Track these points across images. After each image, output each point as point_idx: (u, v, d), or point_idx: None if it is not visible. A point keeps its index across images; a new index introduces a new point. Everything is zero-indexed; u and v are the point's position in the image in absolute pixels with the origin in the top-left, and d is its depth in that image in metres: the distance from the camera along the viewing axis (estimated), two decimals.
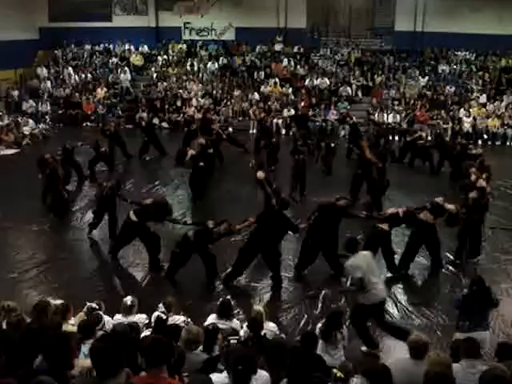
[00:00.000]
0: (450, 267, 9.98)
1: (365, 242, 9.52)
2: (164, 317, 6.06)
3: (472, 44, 23.63)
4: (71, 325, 6.14)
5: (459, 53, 24.41)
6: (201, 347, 5.69)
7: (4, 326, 5.82)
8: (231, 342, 5.50)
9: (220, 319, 6.53)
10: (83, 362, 4.89)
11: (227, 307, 6.67)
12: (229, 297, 7.01)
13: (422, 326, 8.00)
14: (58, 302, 6.55)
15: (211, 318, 6.62)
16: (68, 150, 14.72)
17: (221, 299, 6.94)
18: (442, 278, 9.71)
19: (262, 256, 9.33)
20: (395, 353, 7.12)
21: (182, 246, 9.22)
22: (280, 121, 21.76)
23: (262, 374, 4.76)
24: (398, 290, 9.23)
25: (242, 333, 6.10)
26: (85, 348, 5.33)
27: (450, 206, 9.70)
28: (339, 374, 4.92)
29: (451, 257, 10.25)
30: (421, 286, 9.59)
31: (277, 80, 23.76)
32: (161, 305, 6.69)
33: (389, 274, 9.58)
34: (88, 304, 6.78)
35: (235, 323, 6.56)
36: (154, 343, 4.22)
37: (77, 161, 15.17)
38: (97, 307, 6.69)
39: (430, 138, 18.35)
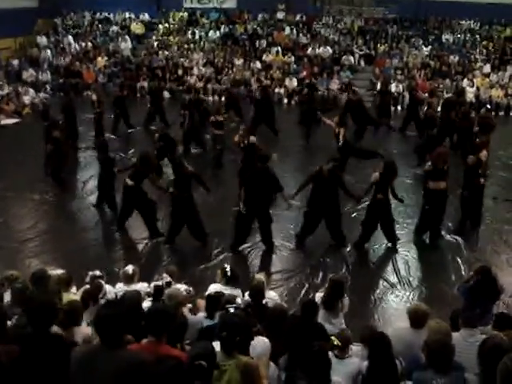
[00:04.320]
0: (450, 237, 9.96)
1: (365, 212, 9.52)
2: (160, 284, 6.11)
3: (476, 13, 23.34)
4: (73, 293, 6.18)
5: (463, 22, 24.18)
6: (204, 314, 5.75)
7: (7, 296, 5.87)
8: (229, 309, 5.51)
9: (222, 287, 6.56)
10: (85, 329, 4.95)
11: (230, 275, 6.70)
12: (228, 266, 6.96)
13: (423, 296, 8.05)
14: (60, 271, 6.58)
15: (213, 287, 6.66)
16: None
17: (222, 267, 6.95)
18: (444, 248, 9.70)
19: (258, 220, 9.37)
20: (394, 323, 7.18)
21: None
22: (282, 90, 21.53)
23: (261, 340, 4.79)
24: (399, 260, 9.24)
25: (239, 300, 6.12)
26: (87, 316, 5.38)
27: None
28: (336, 341, 4.94)
29: (452, 226, 10.25)
30: (422, 256, 9.56)
31: (279, 49, 23.50)
32: (165, 274, 6.71)
33: (389, 244, 9.60)
34: (91, 273, 6.81)
35: (237, 292, 6.58)
36: (155, 312, 4.25)
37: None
38: (100, 275, 6.72)
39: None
